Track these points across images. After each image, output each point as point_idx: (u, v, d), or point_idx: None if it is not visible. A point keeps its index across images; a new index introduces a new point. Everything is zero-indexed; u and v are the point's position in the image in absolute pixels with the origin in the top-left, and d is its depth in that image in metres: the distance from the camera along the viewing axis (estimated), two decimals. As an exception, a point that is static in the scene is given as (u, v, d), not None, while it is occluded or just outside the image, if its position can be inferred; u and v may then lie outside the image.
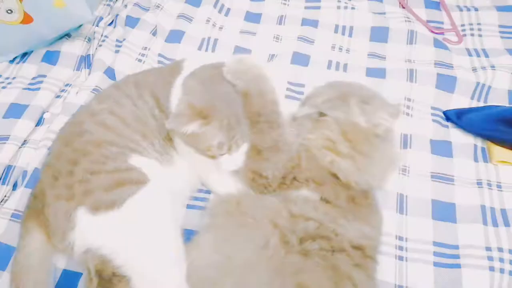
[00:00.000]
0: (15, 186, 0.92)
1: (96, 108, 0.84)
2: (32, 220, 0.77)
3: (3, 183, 0.92)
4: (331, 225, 0.71)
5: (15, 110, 1.04)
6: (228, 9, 1.33)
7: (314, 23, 1.27)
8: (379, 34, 1.23)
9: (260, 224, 0.71)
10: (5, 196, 0.90)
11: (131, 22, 1.25)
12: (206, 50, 1.21)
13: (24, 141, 0.99)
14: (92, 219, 0.71)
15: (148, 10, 1.31)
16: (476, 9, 1.29)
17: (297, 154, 0.80)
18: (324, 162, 0.78)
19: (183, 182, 0.88)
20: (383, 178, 0.81)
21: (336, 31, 1.26)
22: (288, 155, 0.79)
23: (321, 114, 0.83)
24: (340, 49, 1.21)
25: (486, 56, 1.17)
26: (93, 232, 0.71)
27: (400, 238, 0.85)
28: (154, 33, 1.22)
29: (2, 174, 0.93)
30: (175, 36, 1.22)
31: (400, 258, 0.83)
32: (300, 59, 1.17)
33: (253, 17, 1.31)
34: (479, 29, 1.24)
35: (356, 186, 0.76)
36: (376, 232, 0.77)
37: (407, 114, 1.04)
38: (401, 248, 0.84)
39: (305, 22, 1.27)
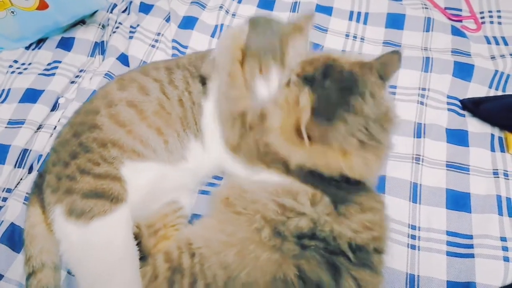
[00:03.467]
0: (30, 170, 0.94)
1: (115, 97, 0.82)
2: (36, 196, 0.81)
3: (19, 166, 0.94)
4: (327, 227, 0.67)
5: (31, 95, 1.06)
6: (242, -4, 1.32)
7: (328, 10, 1.25)
8: (395, 21, 1.20)
9: (251, 216, 0.71)
10: (21, 179, 0.93)
11: (145, 8, 1.25)
12: (219, 37, 1.21)
13: (40, 125, 1.01)
14: (64, 223, 0.72)
15: (162, -4, 1.30)
16: (496, -4, 1.25)
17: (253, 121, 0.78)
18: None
19: (193, 176, 0.88)
20: None
21: (350, 18, 1.24)
22: (240, 128, 0.78)
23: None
24: (355, 37, 1.19)
25: (506, 44, 1.14)
26: (63, 235, 0.73)
27: (413, 227, 0.84)
28: (167, 20, 1.22)
29: (18, 157, 0.95)
30: (188, 23, 1.22)
31: (413, 247, 0.82)
32: (313, 49, 1.15)
33: (266, 4, 1.29)
34: (499, 17, 1.21)
35: None
36: (379, 214, 0.73)
37: (422, 103, 1.02)
38: (413, 237, 0.83)
39: (319, 8, 1.25)
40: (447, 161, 0.93)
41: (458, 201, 0.87)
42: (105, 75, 1.08)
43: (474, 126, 0.98)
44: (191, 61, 0.90)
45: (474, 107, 0.99)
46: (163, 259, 0.70)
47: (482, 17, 1.23)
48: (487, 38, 1.17)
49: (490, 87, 1.05)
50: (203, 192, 0.91)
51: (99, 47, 1.19)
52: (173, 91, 0.84)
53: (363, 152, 0.72)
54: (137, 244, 0.74)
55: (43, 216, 0.77)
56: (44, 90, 1.07)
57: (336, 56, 0.77)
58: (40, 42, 1.21)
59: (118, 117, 0.79)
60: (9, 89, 1.08)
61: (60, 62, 1.14)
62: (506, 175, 0.90)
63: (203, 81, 0.86)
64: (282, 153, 0.74)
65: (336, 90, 0.72)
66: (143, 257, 0.74)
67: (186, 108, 0.84)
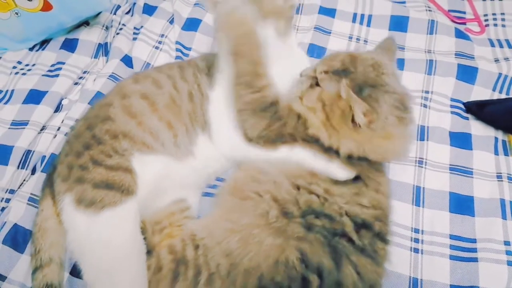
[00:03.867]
0: (34, 171, 0.94)
1: (129, 89, 0.85)
2: (48, 188, 0.81)
3: (22, 167, 0.94)
4: (336, 206, 0.69)
5: (35, 96, 1.06)
6: (245, -2, 1.32)
7: (331, 12, 1.25)
8: (399, 24, 1.20)
9: (260, 198, 0.72)
10: (24, 180, 0.93)
11: (149, 10, 1.25)
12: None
13: (43, 126, 1.01)
14: (73, 212, 0.72)
15: (165, -2, 1.31)
16: (500, -1, 1.25)
17: (284, 110, 0.79)
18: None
19: (198, 174, 0.88)
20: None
21: (354, 20, 1.23)
22: (271, 118, 0.78)
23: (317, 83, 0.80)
24: (358, 39, 1.19)
25: (510, 46, 1.14)
26: (71, 224, 0.73)
27: (416, 231, 0.84)
28: (171, 21, 1.22)
29: (21, 158, 0.95)
30: (192, 24, 1.22)
31: (416, 250, 0.82)
32: (316, 52, 1.16)
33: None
34: (503, 19, 1.20)
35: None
36: (388, 200, 0.76)
37: (426, 105, 1.02)
38: (416, 240, 0.83)
39: (322, 10, 1.25)
40: (450, 164, 0.92)
41: (462, 205, 0.87)
42: (109, 76, 1.08)
43: (478, 129, 0.98)
44: (202, 57, 0.94)
45: (478, 110, 0.99)
46: (167, 251, 0.70)
47: (486, 20, 1.22)
48: (491, 41, 1.17)
49: (494, 90, 1.04)
50: (207, 194, 0.91)
51: (103, 49, 1.19)
52: (183, 85, 0.86)
53: (401, 128, 0.74)
54: (142, 240, 0.75)
55: (54, 207, 0.78)
56: (47, 91, 1.07)
57: (349, 51, 0.81)
58: (44, 43, 1.22)
59: (131, 108, 0.81)
60: (12, 90, 1.08)
61: (63, 63, 1.15)
62: (510, 178, 0.90)
63: (208, 73, 0.89)
64: (331, 144, 0.75)
65: (370, 72, 0.75)
66: (147, 252, 0.74)
67: (195, 102, 0.86)
